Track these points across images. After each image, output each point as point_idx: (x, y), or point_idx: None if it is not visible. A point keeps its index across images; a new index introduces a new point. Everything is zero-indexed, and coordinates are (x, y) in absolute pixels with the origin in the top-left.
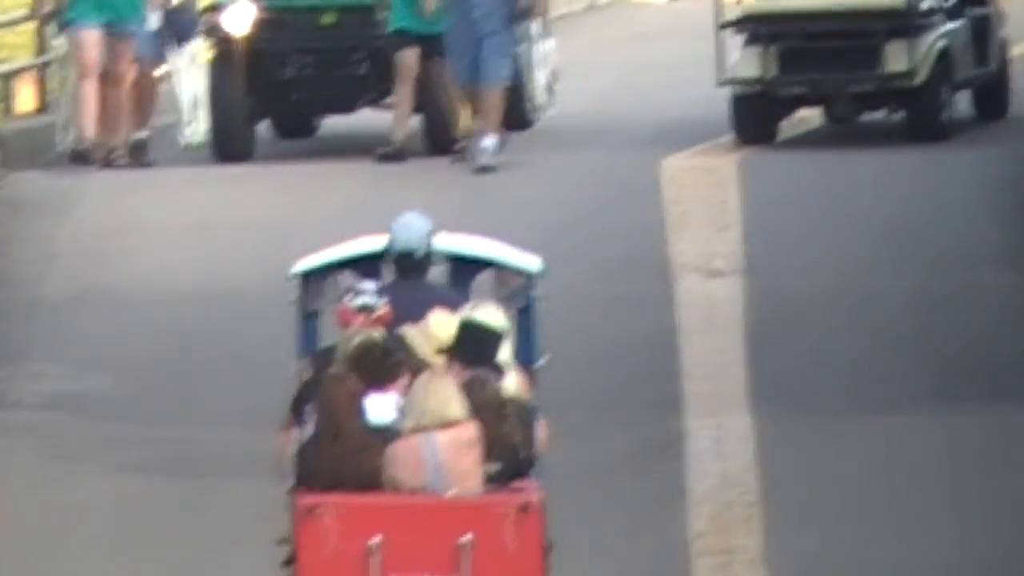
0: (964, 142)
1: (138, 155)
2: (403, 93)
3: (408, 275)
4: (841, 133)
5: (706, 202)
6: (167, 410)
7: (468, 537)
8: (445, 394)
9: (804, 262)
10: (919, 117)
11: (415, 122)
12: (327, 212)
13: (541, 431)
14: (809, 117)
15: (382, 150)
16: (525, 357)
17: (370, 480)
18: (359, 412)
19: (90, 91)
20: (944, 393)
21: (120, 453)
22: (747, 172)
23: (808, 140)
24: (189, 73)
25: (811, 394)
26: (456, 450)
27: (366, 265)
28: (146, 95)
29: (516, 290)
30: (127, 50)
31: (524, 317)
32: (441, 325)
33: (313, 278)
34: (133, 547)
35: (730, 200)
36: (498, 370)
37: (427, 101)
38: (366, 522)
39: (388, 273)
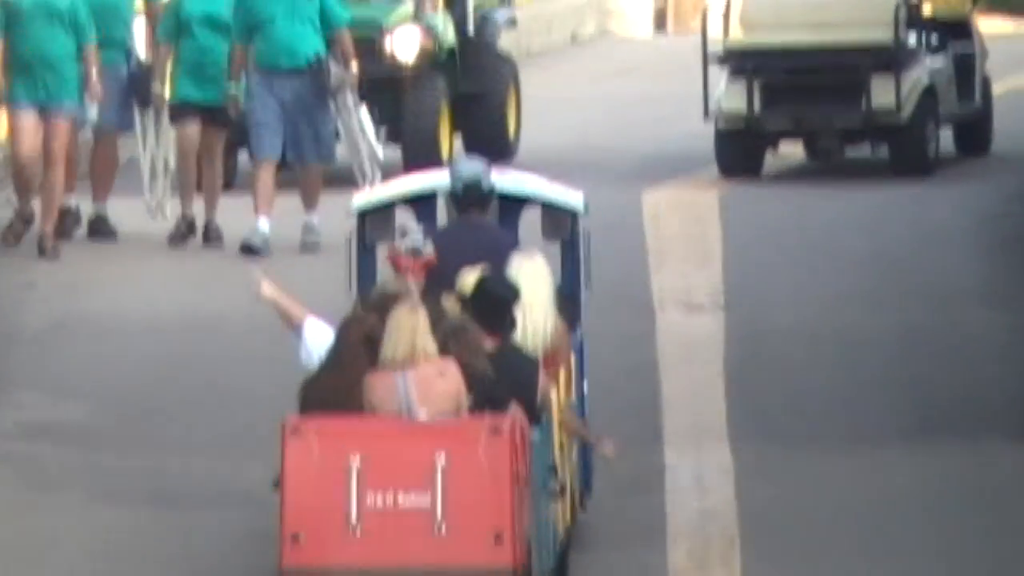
0: (947, 178)
1: (98, 228)
2: (188, 166)
3: (469, 210)
4: (824, 168)
5: (687, 236)
6: (145, 440)
7: (442, 457)
8: (415, 330)
9: (785, 297)
10: (904, 152)
11: None
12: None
13: (551, 379)
14: (792, 153)
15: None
16: (569, 288)
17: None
18: (370, 352)
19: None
20: (924, 428)
21: (97, 482)
22: (729, 207)
23: (791, 175)
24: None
25: (791, 428)
26: (425, 382)
27: (423, 204)
28: (104, 166)
29: (562, 224)
30: (61, 130)
31: (569, 251)
32: (471, 279)
33: (370, 215)
34: None
35: (711, 235)
36: (510, 326)
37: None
38: (347, 442)
39: (444, 212)
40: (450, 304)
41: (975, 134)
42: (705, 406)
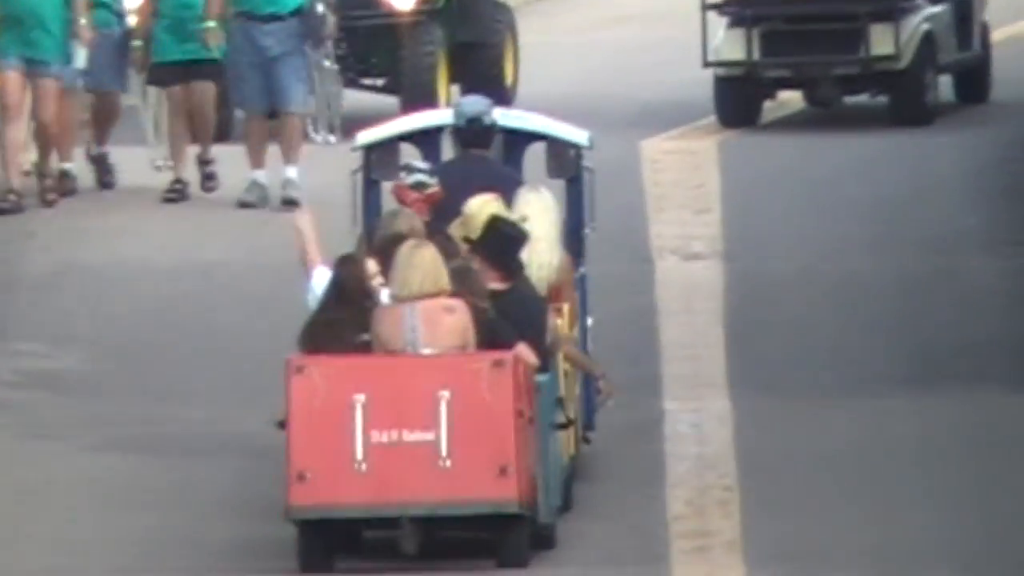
0: (946, 125)
1: (99, 169)
2: (177, 126)
3: (471, 146)
4: (823, 116)
5: (686, 184)
6: (143, 387)
7: (445, 392)
8: (425, 267)
9: (783, 245)
10: (903, 100)
11: None
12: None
13: (558, 315)
14: (791, 100)
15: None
16: (574, 223)
17: (359, 350)
18: (366, 292)
19: (16, 137)
20: (923, 376)
21: (96, 431)
22: (727, 155)
23: (790, 123)
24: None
25: (789, 377)
26: (433, 315)
27: (426, 139)
28: (105, 115)
29: (566, 161)
30: (50, 88)
31: (574, 186)
32: (479, 209)
33: (375, 150)
34: (110, 525)
35: (710, 183)
36: (519, 267)
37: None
38: (350, 380)
39: (448, 149)
40: (457, 233)
41: (974, 81)
42: (704, 354)
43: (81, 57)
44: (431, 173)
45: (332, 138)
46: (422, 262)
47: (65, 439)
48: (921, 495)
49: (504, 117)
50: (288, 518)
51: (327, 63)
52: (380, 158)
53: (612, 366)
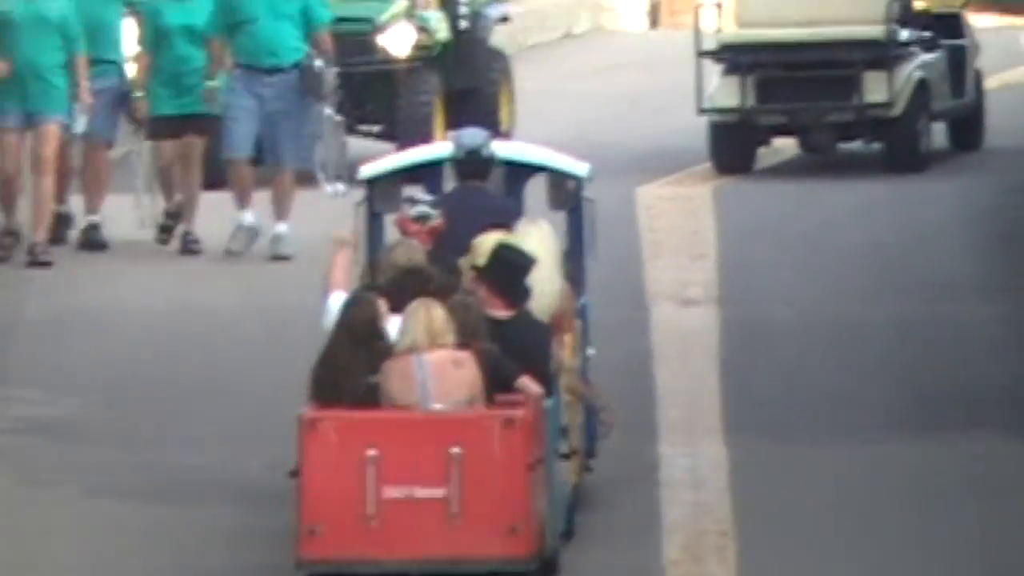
0: (940, 172)
1: (91, 238)
2: (167, 179)
3: (471, 178)
4: (817, 163)
5: (681, 230)
6: (141, 434)
7: (457, 449)
8: (434, 324)
9: (778, 291)
10: (896, 147)
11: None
12: (300, 237)
13: (560, 345)
14: (786, 146)
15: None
16: (575, 254)
17: (357, 395)
18: (376, 333)
19: (11, 186)
20: (918, 422)
21: (93, 478)
22: (722, 201)
23: (784, 170)
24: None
25: (785, 422)
26: (442, 369)
27: (428, 173)
28: (96, 177)
29: (566, 193)
30: (50, 134)
31: (574, 217)
32: (486, 243)
33: (378, 183)
34: (109, 571)
35: (705, 229)
36: (525, 294)
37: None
38: (363, 435)
39: (449, 182)
40: (466, 264)
41: (968, 129)
42: (699, 399)
43: (81, 123)
44: (434, 205)
45: (342, 187)
46: (430, 323)
47: (63, 485)
48: (918, 541)
49: (503, 149)
50: (299, 571)
51: (328, 111)
52: (383, 191)
53: (601, 440)
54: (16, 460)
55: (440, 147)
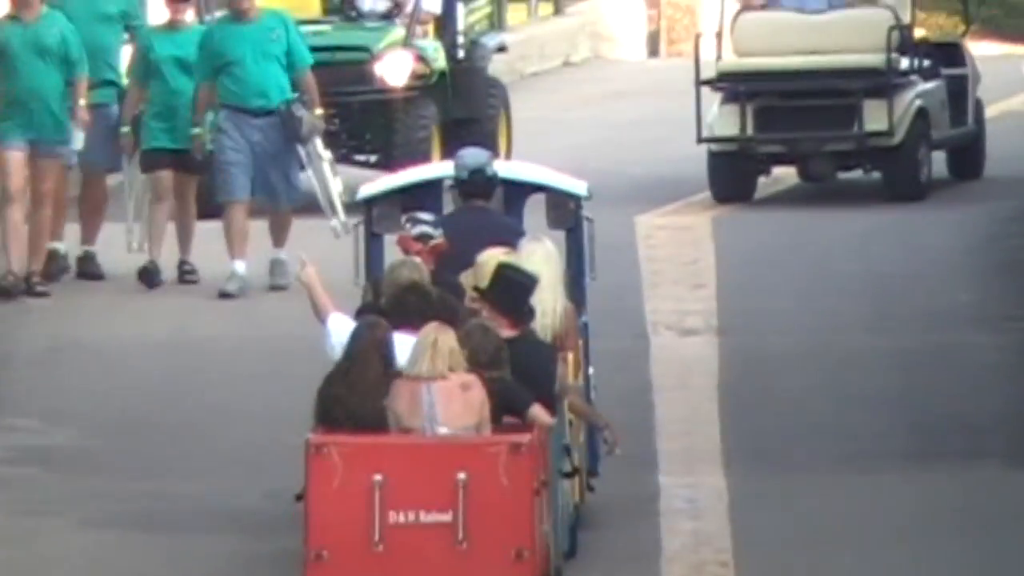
0: (940, 201)
1: (87, 268)
2: (160, 213)
3: (473, 198)
4: (817, 192)
5: (681, 260)
6: (138, 464)
7: (463, 475)
8: (443, 352)
9: (779, 320)
10: (896, 176)
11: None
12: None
13: (565, 365)
14: (786, 175)
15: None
16: (575, 273)
17: (376, 418)
18: (382, 357)
19: (17, 218)
20: (919, 452)
21: (91, 507)
22: (722, 230)
23: (784, 199)
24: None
25: (785, 453)
26: (450, 393)
27: (428, 193)
28: (93, 207)
29: (566, 212)
30: (52, 168)
31: (574, 236)
32: (489, 263)
33: (377, 203)
34: None
35: (705, 258)
36: (529, 314)
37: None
38: (369, 460)
39: (449, 202)
40: (467, 283)
41: (968, 158)
42: (699, 429)
43: (79, 139)
44: (436, 224)
45: (339, 225)
46: (439, 351)
47: (60, 515)
48: (919, 571)
49: (504, 169)
50: None
51: (312, 149)
52: (382, 211)
53: (603, 459)
54: (14, 490)
55: (441, 166)
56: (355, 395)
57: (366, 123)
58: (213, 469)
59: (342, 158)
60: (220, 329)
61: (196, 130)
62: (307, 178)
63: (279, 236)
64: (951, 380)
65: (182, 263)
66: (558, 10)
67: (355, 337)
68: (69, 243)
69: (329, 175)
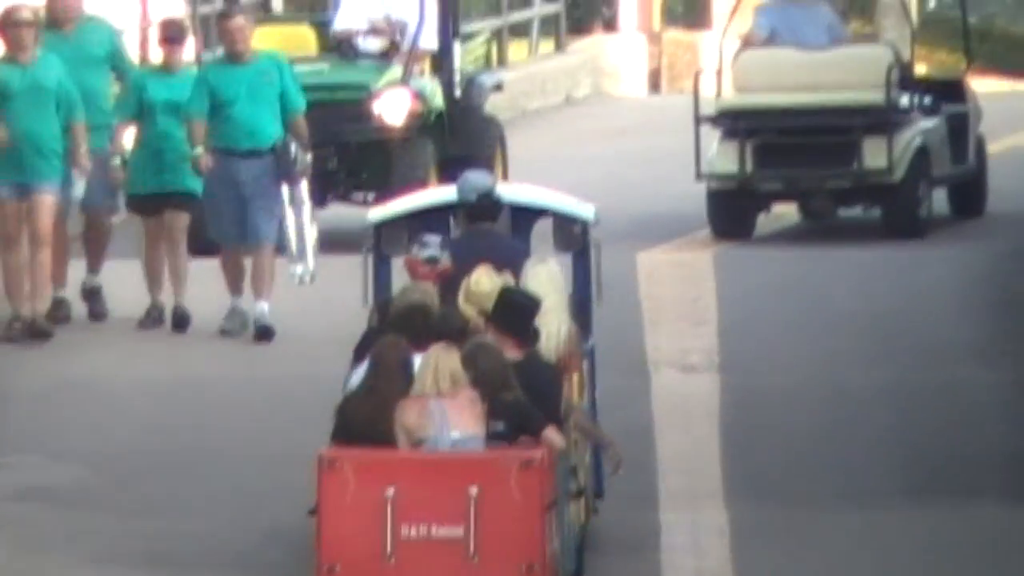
0: (940, 238)
1: (91, 308)
2: (154, 255)
3: (479, 221)
4: (817, 229)
5: (682, 297)
6: (140, 501)
7: (475, 489)
8: (444, 374)
9: (779, 357)
10: (896, 213)
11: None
12: (296, 305)
13: (570, 386)
14: (786, 212)
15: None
16: (581, 296)
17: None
18: (405, 375)
19: (17, 262)
20: (919, 489)
21: (94, 545)
22: (723, 267)
23: (784, 236)
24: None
25: (786, 489)
26: (459, 405)
27: (436, 216)
28: (97, 237)
29: (572, 235)
30: (46, 205)
31: (580, 260)
32: (479, 283)
33: (386, 227)
34: None
35: (706, 295)
36: (534, 336)
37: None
38: (381, 474)
39: (457, 225)
40: (464, 308)
41: (969, 195)
42: (701, 467)
43: (80, 187)
44: (443, 247)
45: (302, 270)
46: (441, 371)
47: (62, 553)
48: None
49: (512, 192)
50: None
51: (291, 191)
52: (390, 234)
53: (609, 478)
54: (16, 527)
55: (448, 190)
56: (378, 411)
57: (363, 161)
58: (215, 507)
59: (341, 196)
60: (219, 368)
61: (198, 150)
62: (282, 219)
63: (261, 286)
64: (951, 416)
65: (175, 308)
66: (560, 47)
67: (378, 355)
68: (74, 278)
69: (307, 221)
